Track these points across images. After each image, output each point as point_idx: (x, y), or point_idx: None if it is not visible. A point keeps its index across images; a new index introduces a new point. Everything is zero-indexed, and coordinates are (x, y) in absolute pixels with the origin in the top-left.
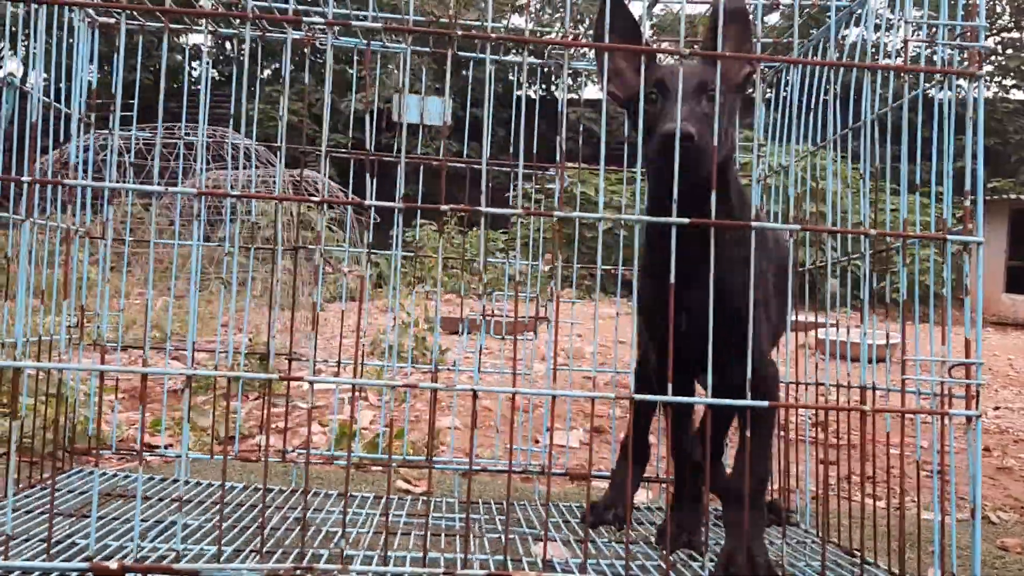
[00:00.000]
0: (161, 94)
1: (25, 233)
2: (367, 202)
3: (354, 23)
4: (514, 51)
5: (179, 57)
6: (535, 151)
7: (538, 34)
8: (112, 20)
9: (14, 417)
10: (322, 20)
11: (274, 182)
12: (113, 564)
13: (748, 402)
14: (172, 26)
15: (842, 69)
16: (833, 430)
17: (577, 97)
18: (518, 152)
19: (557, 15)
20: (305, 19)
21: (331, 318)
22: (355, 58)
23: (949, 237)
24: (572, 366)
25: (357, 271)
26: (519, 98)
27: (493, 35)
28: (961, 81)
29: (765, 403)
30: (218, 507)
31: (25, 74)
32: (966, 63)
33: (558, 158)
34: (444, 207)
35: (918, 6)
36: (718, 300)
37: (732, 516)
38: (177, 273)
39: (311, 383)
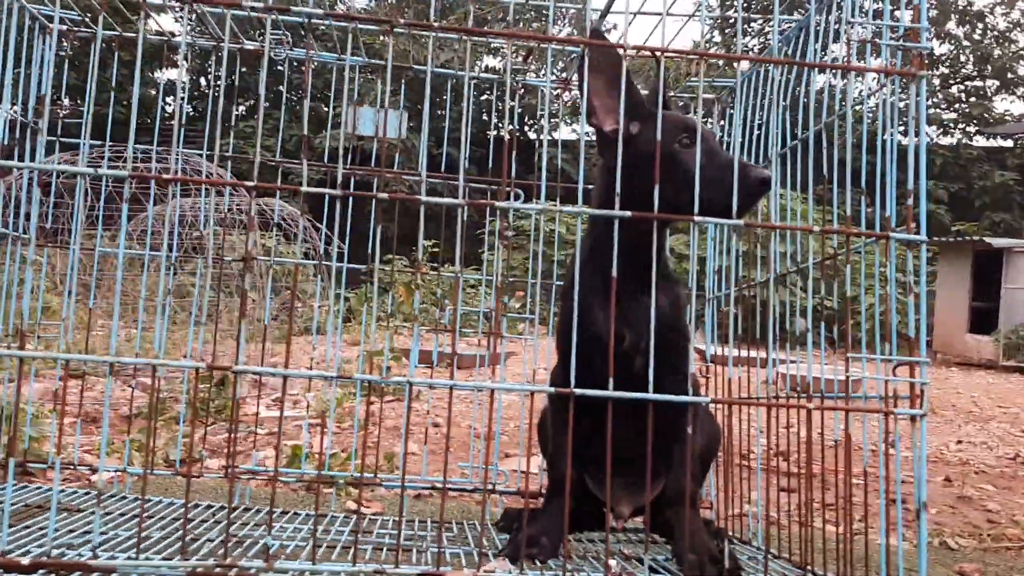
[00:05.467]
0: (134, 113)
1: None
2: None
3: (294, 8)
4: (488, 91)
5: (152, 92)
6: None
7: (516, 78)
8: (65, 27)
9: None
10: (260, 4)
11: (240, 211)
12: (25, 559)
13: (691, 398)
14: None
15: (788, 90)
16: (785, 452)
17: (552, 138)
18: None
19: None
20: (244, 2)
21: (296, 351)
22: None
23: (892, 235)
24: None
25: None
26: (496, 136)
27: (436, 25)
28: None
29: (708, 399)
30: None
31: None
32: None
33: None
34: (421, 247)
35: (863, 10)
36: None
37: (678, 516)
38: (140, 303)
39: (237, 373)
